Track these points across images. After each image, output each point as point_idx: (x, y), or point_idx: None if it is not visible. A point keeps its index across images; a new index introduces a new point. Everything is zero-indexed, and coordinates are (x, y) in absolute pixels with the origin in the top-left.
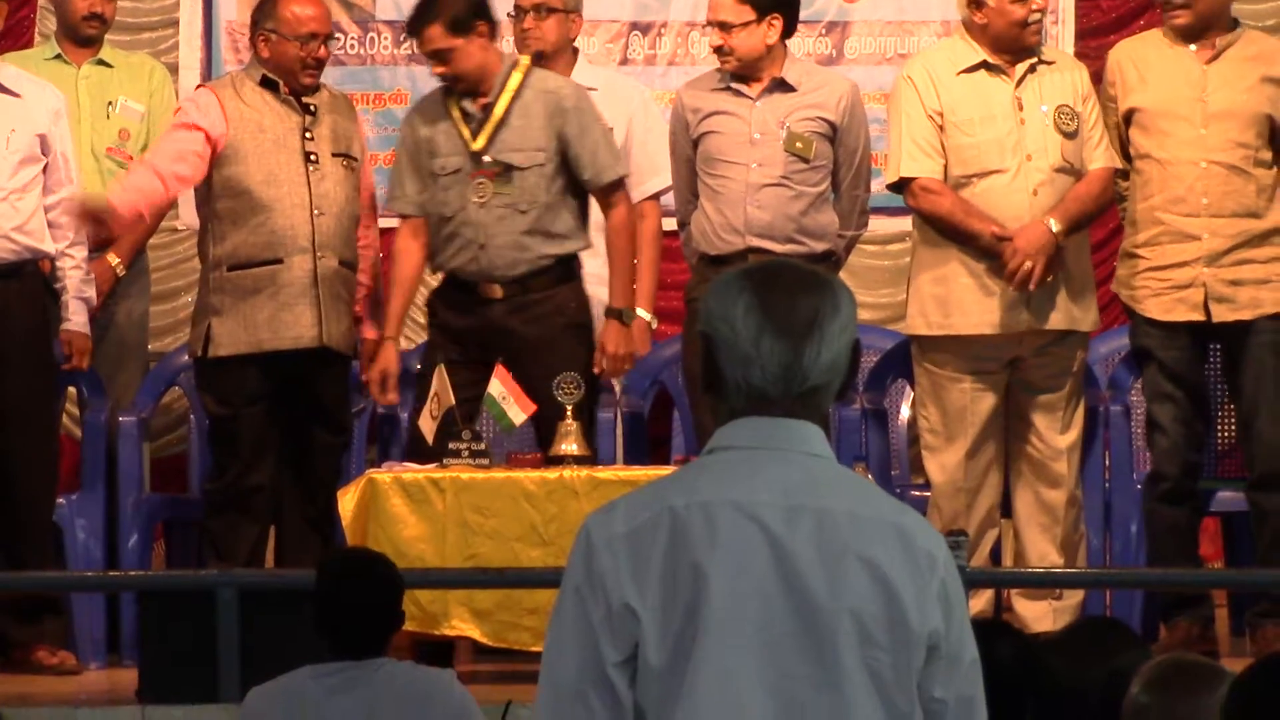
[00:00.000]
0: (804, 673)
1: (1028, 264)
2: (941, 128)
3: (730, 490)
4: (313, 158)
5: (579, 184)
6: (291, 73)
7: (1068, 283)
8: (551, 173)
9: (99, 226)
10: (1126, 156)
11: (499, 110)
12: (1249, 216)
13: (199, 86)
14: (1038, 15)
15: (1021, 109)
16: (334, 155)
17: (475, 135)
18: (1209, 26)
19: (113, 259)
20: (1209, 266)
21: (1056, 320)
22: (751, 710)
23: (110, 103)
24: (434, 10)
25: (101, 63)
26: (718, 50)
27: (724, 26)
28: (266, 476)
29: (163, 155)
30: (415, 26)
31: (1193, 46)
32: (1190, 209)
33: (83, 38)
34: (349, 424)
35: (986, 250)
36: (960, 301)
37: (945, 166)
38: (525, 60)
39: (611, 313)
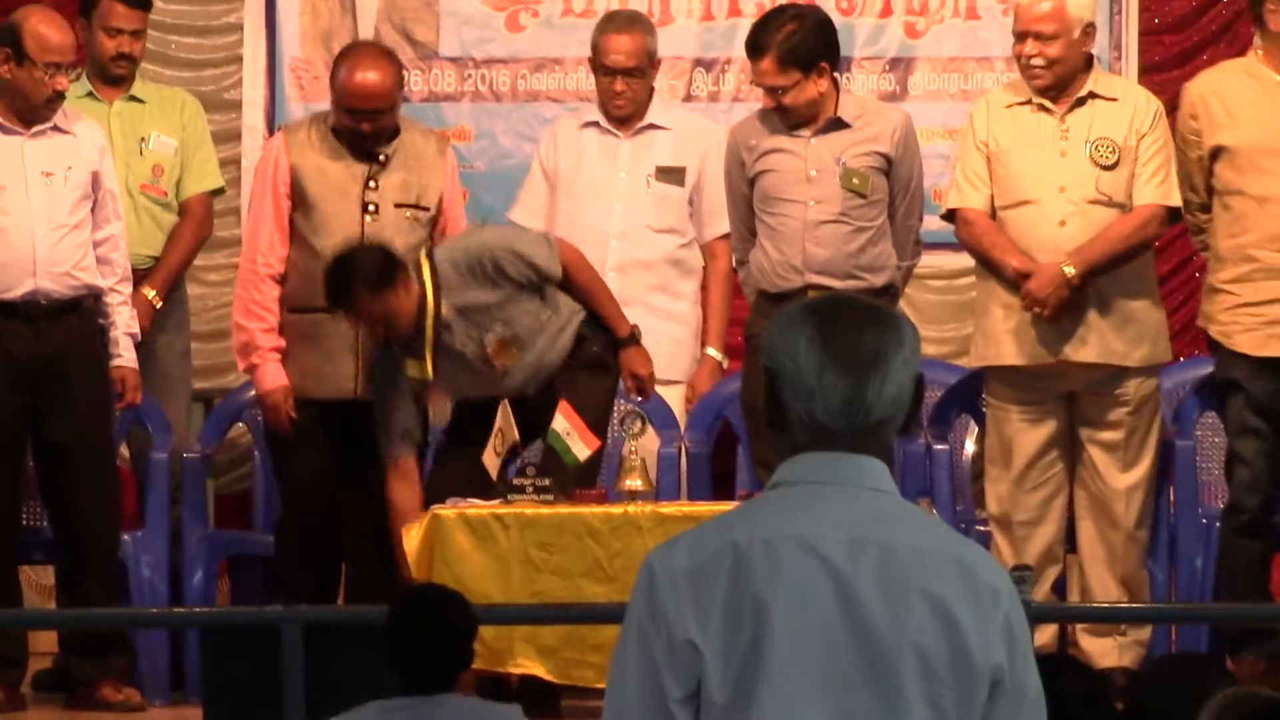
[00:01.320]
0: (868, 709)
1: (1036, 307)
2: (989, 158)
3: (793, 525)
4: (371, 208)
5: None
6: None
7: (1111, 316)
8: None
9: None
10: (1208, 190)
11: None
12: None
13: (279, 128)
14: (1026, 60)
15: (1065, 140)
16: (397, 206)
17: None
18: None
19: (149, 292)
20: None
21: (1092, 354)
22: None
23: (143, 139)
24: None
25: (133, 99)
26: (775, 109)
27: (772, 91)
28: (325, 518)
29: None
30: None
31: None
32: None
33: (112, 77)
34: None
35: (1013, 283)
36: (995, 333)
37: (992, 196)
38: None
39: (626, 340)
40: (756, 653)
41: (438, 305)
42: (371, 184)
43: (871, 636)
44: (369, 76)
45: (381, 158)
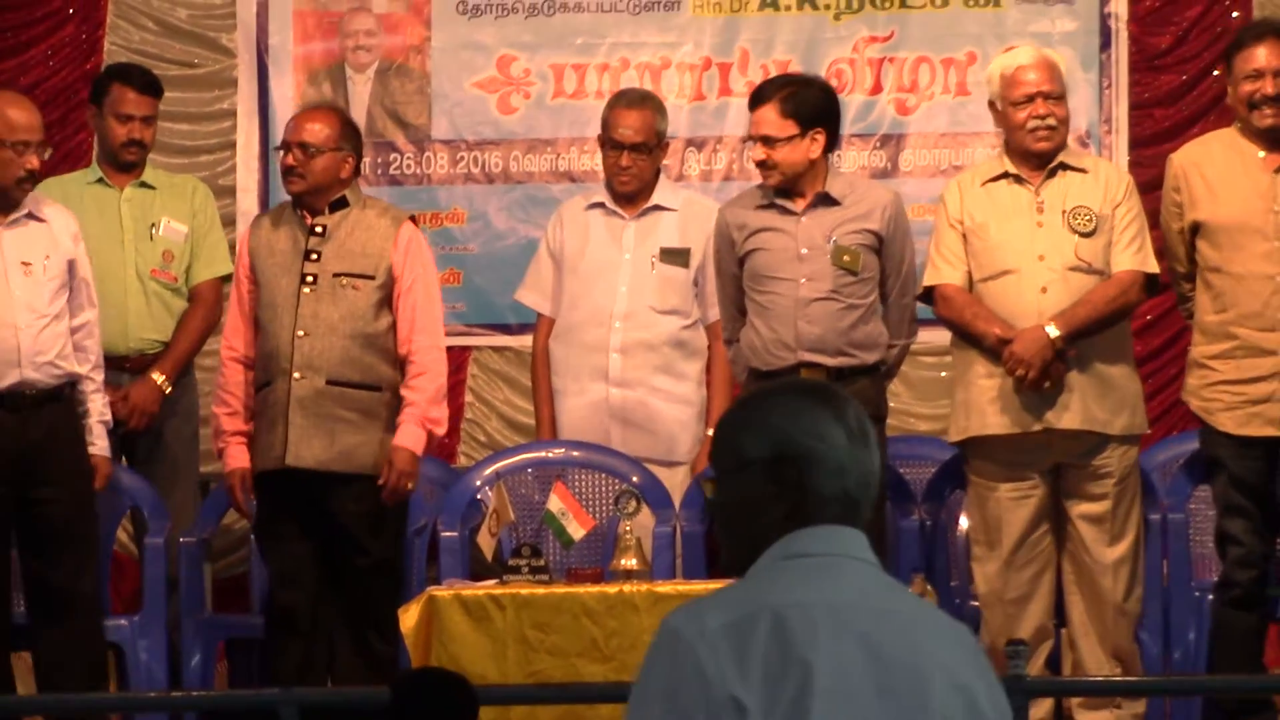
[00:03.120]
0: None
1: (1020, 369)
2: (965, 235)
3: (822, 593)
4: (309, 279)
5: None
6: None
7: (1092, 384)
8: None
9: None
10: (1191, 261)
11: None
12: None
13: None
14: (1038, 121)
15: (1041, 212)
16: (335, 275)
17: None
18: None
19: (158, 377)
20: None
21: (1075, 421)
22: None
23: (154, 224)
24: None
25: (144, 184)
26: (760, 164)
27: (768, 141)
28: (302, 596)
29: (229, 331)
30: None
31: (1261, 154)
32: (1266, 324)
33: (123, 163)
34: (373, 547)
35: (995, 352)
36: (978, 403)
37: (969, 272)
38: None
39: None
40: (800, 712)
41: None
42: (312, 256)
43: (900, 700)
44: (307, 114)
45: (319, 229)
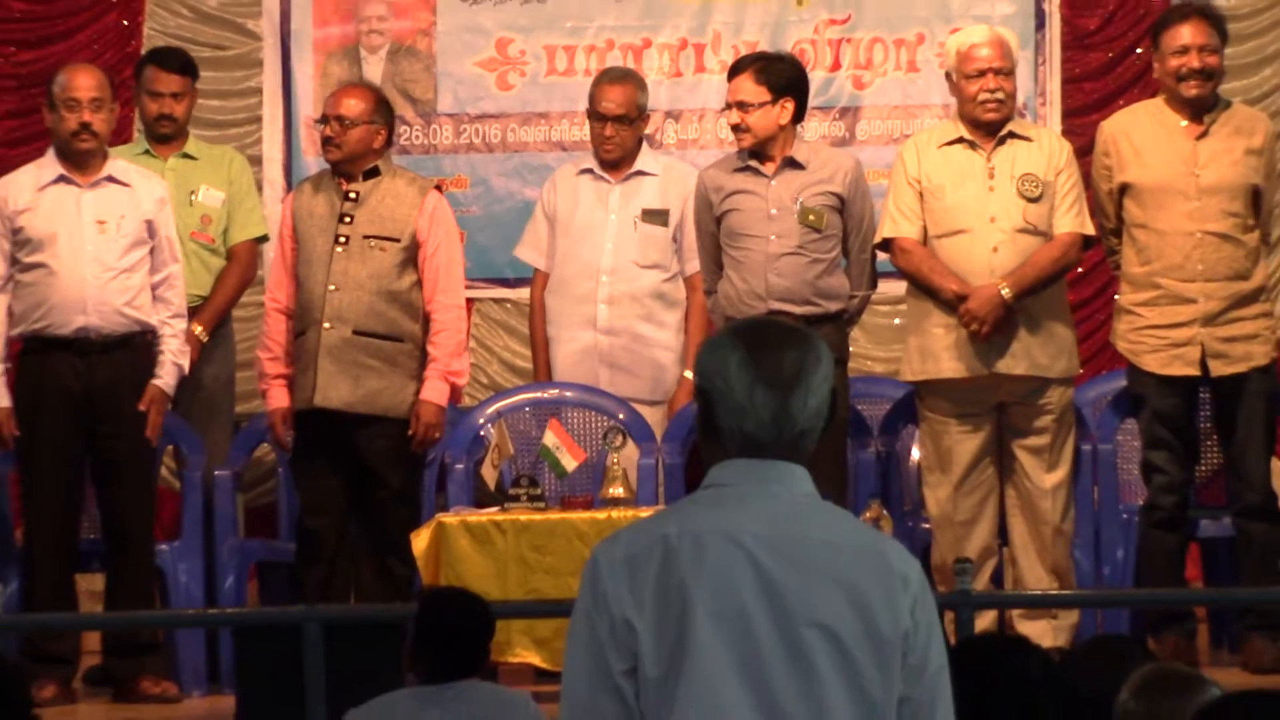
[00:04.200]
0: (785, 685)
1: (975, 324)
2: (921, 194)
3: (719, 521)
4: (342, 239)
5: None
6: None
7: (1036, 334)
8: None
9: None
10: (1119, 219)
11: None
12: (1238, 279)
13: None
14: (988, 94)
15: (992, 178)
16: (365, 237)
17: None
18: (1210, 101)
19: (196, 328)
20: (1205, 326)
21: (1021, 367)
22: (737, 717)
23: (193, 192)
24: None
25: (186, 155)
26: (735, 128)
27: (742, 106)
28: (329, 523)
29: (273, 283)
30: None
31: (1184, 123)
32: (1187, 275)
33: (159, 135)
34: (394, 479)
35: (950, 304)
36: (934, 350)
37: (924, 228)
38: None
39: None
40: (683, 632)
41: None
42: (346, 219)
43: (788, 619)
44: (345, 90)
45: (353, 195)
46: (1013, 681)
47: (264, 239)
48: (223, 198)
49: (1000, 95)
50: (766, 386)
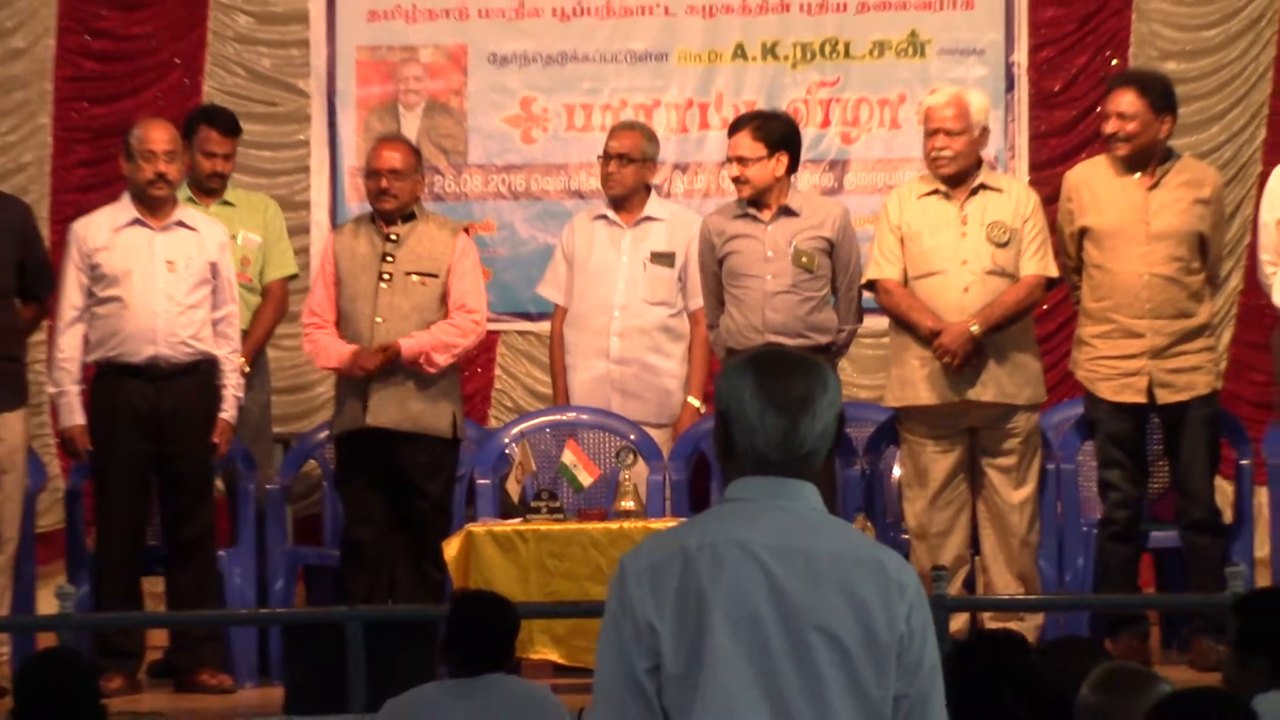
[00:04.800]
0: (792, 683)
1: (947, 357)
2: (902, 239)
3: (734, 533)
4: (386, 276)
5: None
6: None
7: (1003, 364)
8: None
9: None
10: (1079, 258)
11: None
12: (1183, 317)
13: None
14: (936, 151)
15: (965, 225)
16: (407, 274)
17: None
18: (1149, 157)
19: (240, 360)
20: (1152, 359)
21: (989, 394)
22: (749, 713)
23: (233, 236)
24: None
25: (226, 203)
26: (735, 180)
27: (742, 160)
28: (371, 533)
29: (317, 305)
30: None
31: (1136, 175)
32: (1137, 312)
33: (206, 189)
34: (433, 490)
35: (926, 339)
36: (912, 379)
37: (905, 270)
38: None
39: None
40: (701, 634)
41: None
42: (388, 258)
43: (796, 623)
44: (390, 145)
45: (394, 237)
46: (1009, 676)
47: (294, 276)
48: (259, 241)
49: (947, 153)
50: (777, 410)
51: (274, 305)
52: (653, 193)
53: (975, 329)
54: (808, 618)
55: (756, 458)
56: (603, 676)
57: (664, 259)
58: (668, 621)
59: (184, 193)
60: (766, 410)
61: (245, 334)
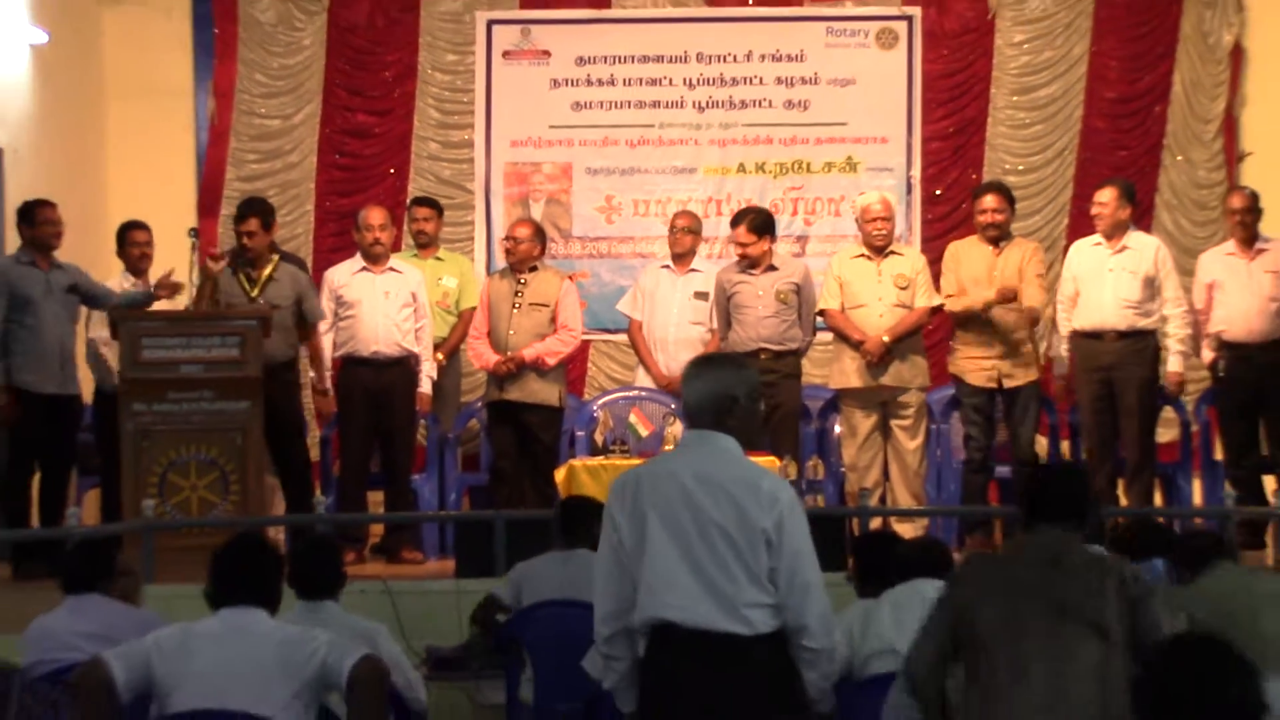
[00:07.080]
0: (701, 554)
1: (868, 357)
2: (840, 285)
3: (669, 465)
4: (516, 307)
5: None
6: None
7: (904, 361)
8: None
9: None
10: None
11: None
12: (1014, 331)
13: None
14: (876, 231)
15: (880, 275)
16: (531, 304)
17: None
18: (1004, 236)
19: (439, 355)
20: (1000, 360)
21: (892, 380)
22: (677, 574)
23: (440, 278)
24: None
25: (437, 259)
26: (739, 255)
27: (741, 244)
28: (509, 464)
29: (476, 324)
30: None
31: (989, 247)
32: (988, 330)
33: (421, 244)
34: (547, 439)
35: (855, 345)
36: (847, 370)
37: (842, 303)
38: None
39: None
40: (644, 531)
41: None
42: (518, 295)
43: (701, 520)
44: (521, 223)
45: (522, 280)
46: (941, 563)
47: (476, 306)
48: (456, 283)
49: (884, 231)
50: (702, 382)
51: (464, 324)
52: (696, 253)
53: (887, 339)
54: (709, 515)
55: (688, 417)
56: (598, 552)
57: (702, 296)
58: (626, 519)
59: (410, 250)
60: (699, 382)
61: (445, 340)
